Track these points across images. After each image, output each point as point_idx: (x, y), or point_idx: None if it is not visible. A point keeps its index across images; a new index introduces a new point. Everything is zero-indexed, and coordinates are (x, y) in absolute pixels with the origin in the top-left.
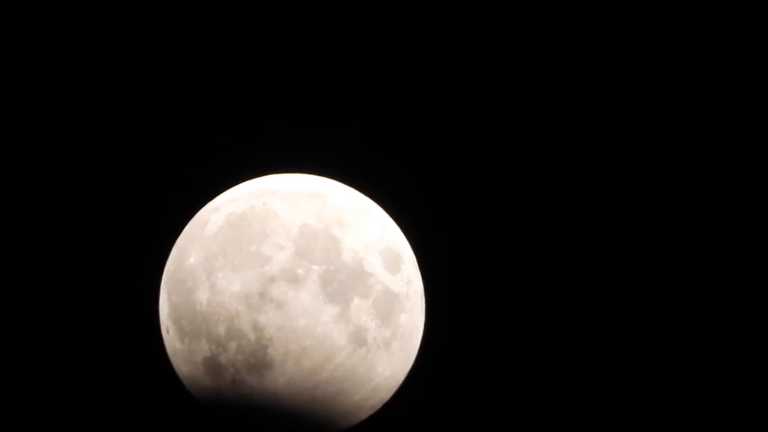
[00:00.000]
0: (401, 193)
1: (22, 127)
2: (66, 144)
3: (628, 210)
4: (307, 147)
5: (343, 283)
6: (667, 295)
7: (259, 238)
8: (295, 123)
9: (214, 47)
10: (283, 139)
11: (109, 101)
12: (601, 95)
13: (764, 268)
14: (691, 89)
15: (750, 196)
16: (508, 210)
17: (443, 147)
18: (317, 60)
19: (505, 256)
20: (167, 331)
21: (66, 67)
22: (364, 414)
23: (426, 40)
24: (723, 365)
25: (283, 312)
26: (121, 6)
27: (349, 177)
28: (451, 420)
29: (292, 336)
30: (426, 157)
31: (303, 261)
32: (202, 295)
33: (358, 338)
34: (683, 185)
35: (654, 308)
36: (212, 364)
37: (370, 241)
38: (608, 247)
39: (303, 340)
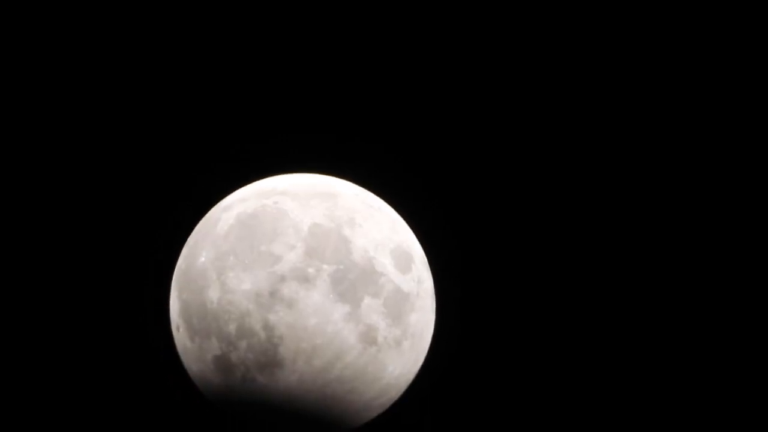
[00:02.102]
0: (412, 192)
1: (29, 123)
2: (78, 139)
3: (640, 205)
4: (318, 147)
5: (353, 282)
6: (670, 293)
7: (269, 237)
8: (306, 122)
9: (224, 44)
10: (294, 138)
11: (122, 97)
12: (605, 90)
13: (761, 268)
14: (690, 89)
15: (745, 195)
16: (519, 209)
17: (455, 146)
18: (328, 58)
19: (516, 256)
20: (177, 329)
21: (76, 63)
22: (374, 413)
23: (434, 37)
24: (720, 364)
25: (293, 311)
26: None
27: (360, 177)
28: (461, 419)
29: (302, 334)
30: (438, 157)
31: (314, 260)
32: (213, 294)
33: (369, 337)
34: (682, 185)
35: (668, 307)
36: (223, 363)
37: (381, 240)
38: (623, 243)
39: (314, 338)
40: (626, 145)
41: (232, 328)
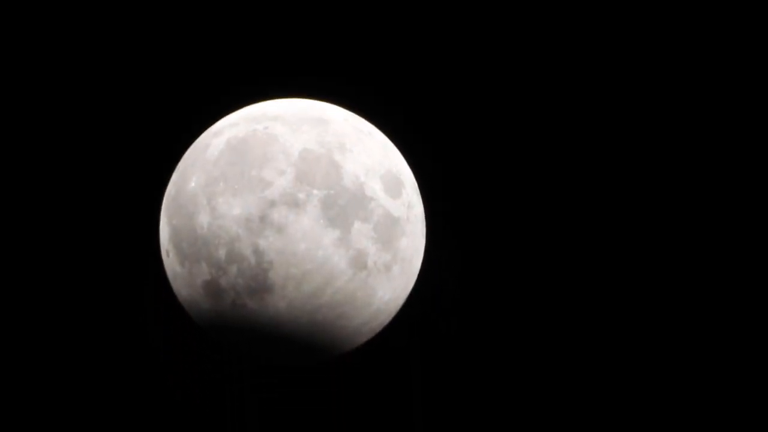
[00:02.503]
0: (403, 117)
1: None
2: (66, 66)
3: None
4: (309, 72)
5: (343, 207)
6: (664, 284)
7: (260, 162)
8: (298, 48)
9: None
10: (285, 64)
11: (108, 27)
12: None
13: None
14: (690, 89)
15: (744, 196)
16: (513, 136)
17: (445, 70)
18: None
19: (509, 183)
20: (167, 255)
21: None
22: (364, 338)
23: None
24: (720, 364)
25: (283, 236)
26: None
27: (351, 101)
28: (451, 344)
29: (292, 260)
30: (429, 82)
31: (304, 185)
32: (203, 219)
33: (359, 262)
34: (681, 182)
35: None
36: (212, 288)
37: (371, 165)
38: (622, 197)
39: (303, 264)
40: (628, 121)
41: (221, 253)
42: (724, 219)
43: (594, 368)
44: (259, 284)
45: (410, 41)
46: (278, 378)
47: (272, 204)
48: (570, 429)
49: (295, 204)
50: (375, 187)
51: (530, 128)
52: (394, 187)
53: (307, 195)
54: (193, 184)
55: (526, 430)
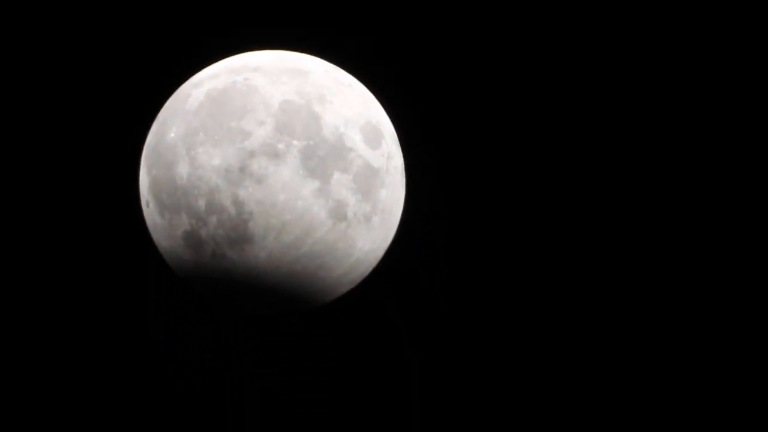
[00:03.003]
0: (383, 68)
1: None
2: (44, 19)
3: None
4: (290, 24)
5: (323, 158)
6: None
7: (239, 113)
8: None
9: None
10: (267, 15)
11: None
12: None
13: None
14: (689, 89)
15: (744, 196)
16: (495, 91)
17: (426, 22)
18: None
19: (489, 133)
20: (147, 205)
21: None
22: (344, 289)
23: None
24: (718, 364)
25: (263, 186)
26: None
27: (331, 53)
28: (431, 294)
29: (272, 210)
30: (408, 33)
31: (283, 136)
32: (183, 169)
33: (339, 213)
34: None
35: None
36: (192, 238)
37: (351, 116)
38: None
39: (283, 214)
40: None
41: (201, 203)
42: (722, 221)
43: (566, 327)
44: (239, 235)
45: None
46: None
47: (252, 154)
48: (545, 387)
49: (274, 155)
50: (354, 138)
51: (513, 82)
52: (373, 138)
53: (286, 146)
54: (172, 135)
55: (507, 385)
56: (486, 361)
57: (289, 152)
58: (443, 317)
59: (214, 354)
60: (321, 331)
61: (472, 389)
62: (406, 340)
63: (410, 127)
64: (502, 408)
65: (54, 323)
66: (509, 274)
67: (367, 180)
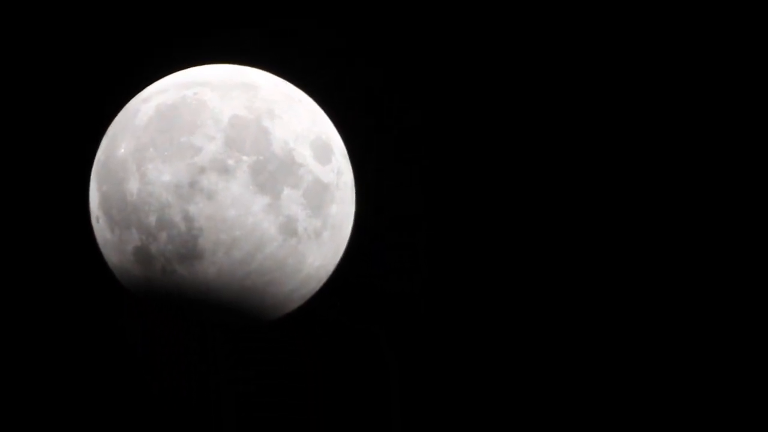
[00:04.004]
0: (332, 83)
1: None
2: None
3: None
4: (238, 39)
5: (273, 173)
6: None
7: (189, 128)
8: (228, 15)
9: None
10: (215, 31)
11: None
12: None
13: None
14: (689, 89)
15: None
16: (440, 98)
17: (374, 36)
18: None
19: (437, 147)
20: (97, 221)
21: None
22: (294, 304)
23: None
24: (716, 364)
25: (213, 202)
26: None
27: (280, 68)
28: (382, 309)
29: (222, 226)
30: (358, 47)
31: (233, 151)
32: (133, 185)
33: (289, 228)
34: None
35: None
36: (143, 254)
37: (301, 131)
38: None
39: (233, 230)
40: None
41: (152, 219)
42: (720, 224)
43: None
44: (189, 251)
45: (338, 6)
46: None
47: (202, 170)
48: (526, 390)
49: (224, 170)
50: (304, 154)
51: (461, 94)
52: (323, 154)
53: (236, 161)
54: (122, 150)
55: (484, 387)
56: (463, 365)
57: (239, 168)
58: (421, 322)
59: (187, 359)
60: (293, 338)
61: (449, 392)
62: (383, 345)
63: (360, 142)
64: (481, 411)
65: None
66: (456, 281)
67: (318, 195)
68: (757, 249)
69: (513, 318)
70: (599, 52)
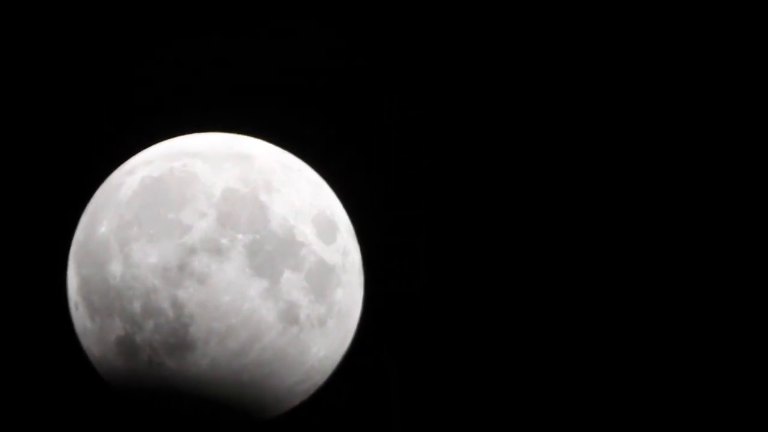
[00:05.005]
0: (337, 153)
1: None
2: None
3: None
4: (231, 106)
5: (271, 254)
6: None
7: (178, 204)
8: (220, 82)
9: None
10: (205, 97)
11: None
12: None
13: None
14: (689, 90)
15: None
16: (455, 167)
17: (379, 104)
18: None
19: (453, 222)
20: (76, 308)
21: None
22: (297, 399)
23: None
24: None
25: (205, 287)
26: None
27: (278, 137)
28: (393, 404)
29: (215, 313)
30: (364, 115)
31: (227, 230)
32: (115, 268)
33: (290, 316)
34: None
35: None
36: (127, 345)
37: (302, 207)
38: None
39: (228, 318)
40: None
41: (136, 306)
42: (720, 224)
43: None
44: (179, 341)
45: (339, 71)
46: None
47: (192, 251)
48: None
49: (217, 251)
50: (306, 232)
51: (471, 163)
52: (327, 231)
53: (230, 241)
54: (103, 229)
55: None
56: (462, 366)
57: (233, 248)
58: (420, 322)
59: None
60: None
61: (448, 392)
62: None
63: (368, 218)
64: (481, 411)
65: None
66: (482, 374)
67: (322, 279)
68: (757, 249)
69: (512, 318)
70: (599, 53)
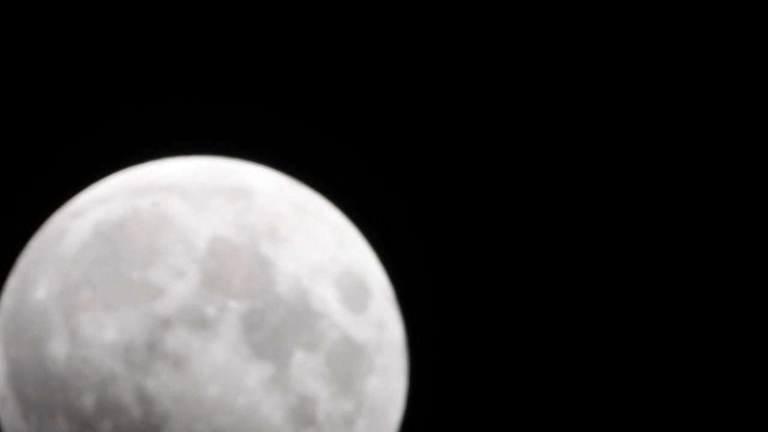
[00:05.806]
0: (366, 190)
1: None
2: None
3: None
4: (224, 121)
5: (277, 328)
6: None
7: (146, 258)
8: (212, 88)
9: None
10: (186, 106)
11: None
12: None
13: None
14: (688, 91)
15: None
16: (507, 212)
17: (413, 125)
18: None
19: (516, 280)
20: (3, 404)
21: None
22: None
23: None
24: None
25: (183, 374)
26: None
27: (289, 164)
28: None
29: (198, 411)
30: (401, 140)
31: (215, 294)
32: (58, 349)
33: (303, 414)
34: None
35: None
36: None
37: (320, 262)
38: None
39: (216, 417)
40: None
41: (88, 401)
42: (720, 224)
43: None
44: None
45: (371, 82)
46: None
47: (166, 324)
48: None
49: (201, 324)
50: (326, 297)
51: (527, 203)
52: (355, 297)
53: (220, 309)
54: (41, 294)
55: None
56: (463, 365)
57: (223, 320)
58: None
59: None
60: None
61: (450, 392)
62: None
63: (413, 278)
64: (482, 412)
65: None
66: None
67: (347, 363)
68: (758, 249)
69: (513, 318)
70: (599, 54)
